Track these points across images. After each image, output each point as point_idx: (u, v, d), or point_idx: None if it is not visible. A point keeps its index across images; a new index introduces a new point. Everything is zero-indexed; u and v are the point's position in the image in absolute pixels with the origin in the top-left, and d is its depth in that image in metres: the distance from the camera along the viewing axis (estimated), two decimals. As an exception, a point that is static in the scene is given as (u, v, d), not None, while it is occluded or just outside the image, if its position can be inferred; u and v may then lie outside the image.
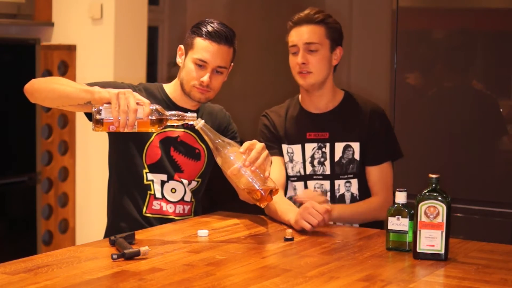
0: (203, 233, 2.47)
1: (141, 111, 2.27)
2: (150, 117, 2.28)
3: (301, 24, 2.81)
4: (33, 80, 2.53)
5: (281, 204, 2.69)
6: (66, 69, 4.50)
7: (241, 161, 2.35)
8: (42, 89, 2.49)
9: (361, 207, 2.80)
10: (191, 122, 2.35)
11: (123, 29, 4.44)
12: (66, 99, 2.43)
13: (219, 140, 2.38)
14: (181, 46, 2.74)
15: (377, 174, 2.84)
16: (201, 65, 2.66)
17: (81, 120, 4.49)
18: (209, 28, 2.66)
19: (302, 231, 2.53)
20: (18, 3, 4.33)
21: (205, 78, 2.66)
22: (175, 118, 2.33)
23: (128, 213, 2.72)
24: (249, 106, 4.93)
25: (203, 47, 2.66)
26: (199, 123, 2.35)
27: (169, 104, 2.75)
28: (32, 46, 4.26)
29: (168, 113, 2.32)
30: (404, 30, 3.41)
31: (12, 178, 4.25)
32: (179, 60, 2.75)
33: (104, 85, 2.62)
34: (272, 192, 2.38)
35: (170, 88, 2.79)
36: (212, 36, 2.65)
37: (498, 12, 3.35)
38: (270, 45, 6.28)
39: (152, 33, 5.69)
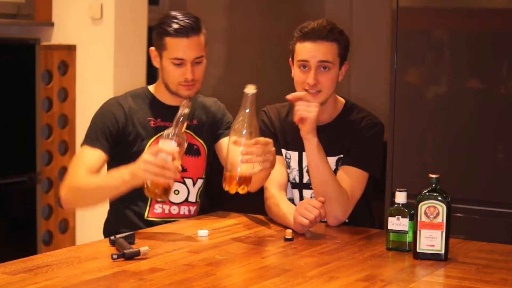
0: (203, 233, 2.47)
1: (168, 157, 2.33)
2: (175, 145, 2.34)
3: (315, 40, 2.66)
4: (65, 199, 2.61)
5: (284, 209, 2.65)
6: (66, 69, 4.50)
7: (246, 143, 2.35)
8: (83, 204, 2.67)
9: (334, 175, 2.64)
10: (247, 91, 2.40)
11: (123, 29, 4.44)
12: (109, 198, 2.61)
13: (249, 118, 2.38)
14: (153, 49, 2.72)
15: (349, 173, 2.69)
16: (179, 63, 2.65)
17: (81, 120, 4.49)
18: (175, 26, 2.63)
19: (302, 234, 2.52)
20: (18, 3, 4.33)
21: (189, 74, 2.64)
22: (182, 122, 2.36)
23: (129, 218, 2.71)
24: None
25: (174, 45, 2.63)
26: (251, 91, 2.40)
27: (158, 105, 2.75)
28: (32, 46, 4.26)
29: (174, 124, 2.37)
30: (404, 30, 3.41)
31: (12, 178, 4.24)
32: (155, 62, 2.74)
33: (93, 128, 2.68)
34: (241, 180, 2.36)
35: (156, 89, 2.78)
36: (180, 32, 2.62)
37: (498, 12, 3.35)
38: (270, 45, 6.28)
39: (152, 33, 5.69)
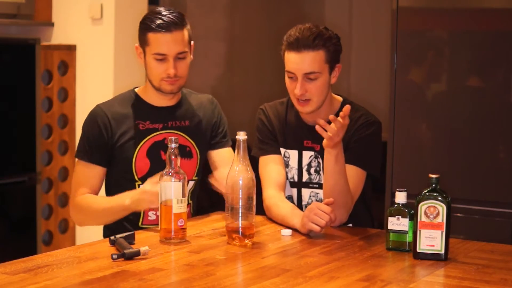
0: (286, 232, 2.52)
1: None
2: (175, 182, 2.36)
3: (299, 50, 2.60)
4: (75, 219, 2.76)
5: (284, 208, 2.64)
6: (66, 69, 4.50)
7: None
8: (92, 224, 2.75)
9: (347, 182, 2.59)
10: (239, 137, 2.36)
11: (123, 29, 4.44)
12: (114, 219, 2.67)
13: (246, 161, 2.37)
14: (137, 45, 2.73)
15: (349, 172, 2.64)
16: (161, 59, 2.65)
17: (81, 120, 4.48)
18: (157, 21, 2.63)
19: (302, 234, 2.52)
20: (18, 3, 4.33)
21: (171, 70, 2.64)
22: (174, 157, 2.38)
23: (123, 226, 2.70)
24: (249, 106, 4.93)
25: (157, 41, 2.64)
26: (243, 136, 2.36)
27: (145, 108, 2.74)
28: (32, 46, 4.26)
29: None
30: (404, 30, 3.41)
31: (12, 178, 4.24)
32: (140, 59, 2.74)
33: (84, 142, 2.72)
34: (243, 235, 2.36)
35: (143, 90, 2.78)
36: (162, 27, 2.63)
37: (498, 12, 3.35)
38: (270, 45, 6.28)
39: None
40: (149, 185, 2.49)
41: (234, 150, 2.42)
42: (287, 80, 2.69)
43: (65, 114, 4.51)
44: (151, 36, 2.64)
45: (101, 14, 4.41)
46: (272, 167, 2.77)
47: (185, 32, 2.67)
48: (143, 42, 2.68)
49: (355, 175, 2.68)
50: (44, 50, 4.36)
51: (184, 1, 5.99)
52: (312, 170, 2.77)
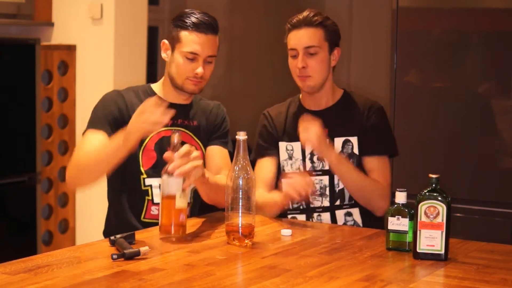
0: (286, 232, 2.52)
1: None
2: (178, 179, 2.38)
3: (300, 27, 2.80)
4: (68, 178, 2.62)
5: (264, 194, 2.75)
6: (66, 69, 4.50)
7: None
8: (85, 180, 2.60)
9: (363, 175, 2.78)
10: (239, 137, 2.36)
11: (123, 29, 4.44)
12: (109, 167, 2.56)
13: (246, 161, 2.38)
14: (165, 41, 2.73)
15: (374, 163, 2.82)
16: (192, 58, 2.66)
17: (81, 120, 4.49)
18: (194, 20, 2.65)
19: (301, 233, 2.52)
20: (18, 3, 4.33)
21: (200, 70, 2.66)
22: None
23: (126, 218, 2.71)
24: (249, 106, 4.93)
25: (191, 39, 2.65)
26: (242, 137, 2.36)
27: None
28: (32, 46, 4.26)
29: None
30: (404, 30, 3.42)
31: (12, 178, 4.24)
32: (164, 55, 2.74)
33: (96, 114, 2.67)
34: (243, 235, 2.35)
35: (158, 87, 2.78)
36: (198, 27, 2.65)
37: (498, 12, 3.35)
38: (270, 45, 6.28)
39: (152, 33, 5.69)
40: (146, 107, 2.42)
41: (233, 151, 2.42)
42: (289, 60, 2.83)
43: (65, 114, 4.51)
44: (185, 34, 2.66)
45: (101, 14, 4.41)
46: (264, 169, 2.87)
47: (217, 39, 2.72)
48: (174, 39, 2.68)
49: (378, 163, 2.82)
50: (44, 50, 4.36)
51: (184, 1, 6.00)
52: (314, 158, 2.83)
